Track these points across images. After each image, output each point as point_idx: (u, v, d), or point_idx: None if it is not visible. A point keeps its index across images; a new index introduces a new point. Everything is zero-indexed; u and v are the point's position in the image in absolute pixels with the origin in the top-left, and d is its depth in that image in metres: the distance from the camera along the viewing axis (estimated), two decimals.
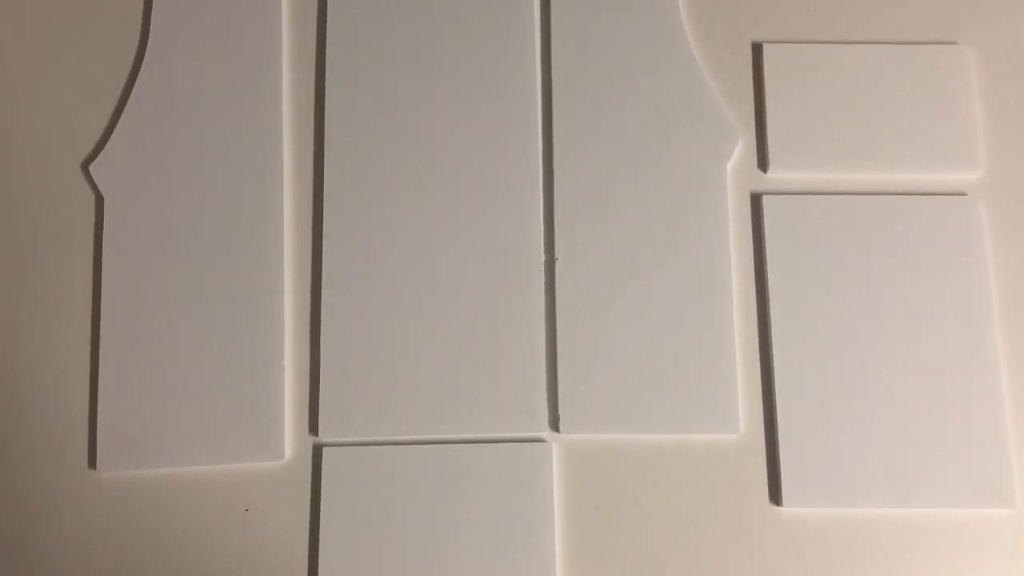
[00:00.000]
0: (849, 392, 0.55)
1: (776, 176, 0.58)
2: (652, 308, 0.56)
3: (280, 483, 0.54)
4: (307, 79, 0.60)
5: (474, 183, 0.57)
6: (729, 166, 0.58)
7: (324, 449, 0.54)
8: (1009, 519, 0.54)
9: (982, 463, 0.53)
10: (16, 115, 0.59)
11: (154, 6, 0.60)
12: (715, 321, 0.56)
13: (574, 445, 0.55)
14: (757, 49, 0.60)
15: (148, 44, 0.60)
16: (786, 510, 0.54)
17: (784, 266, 0.57)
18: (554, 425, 0.55)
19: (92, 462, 0.55)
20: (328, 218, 0.57)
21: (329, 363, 0.55)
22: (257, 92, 0.59)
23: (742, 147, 0.59)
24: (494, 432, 0.54)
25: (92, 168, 0.58)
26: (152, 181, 0.57)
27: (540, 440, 0.55)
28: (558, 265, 0.56)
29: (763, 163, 0.59)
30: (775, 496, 0.54)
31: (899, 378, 0.55)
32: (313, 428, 0.55)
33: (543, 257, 0.57)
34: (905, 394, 0.55)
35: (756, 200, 0.58)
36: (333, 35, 0.60)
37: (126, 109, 0.59)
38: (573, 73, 0.59)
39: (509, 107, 0.58)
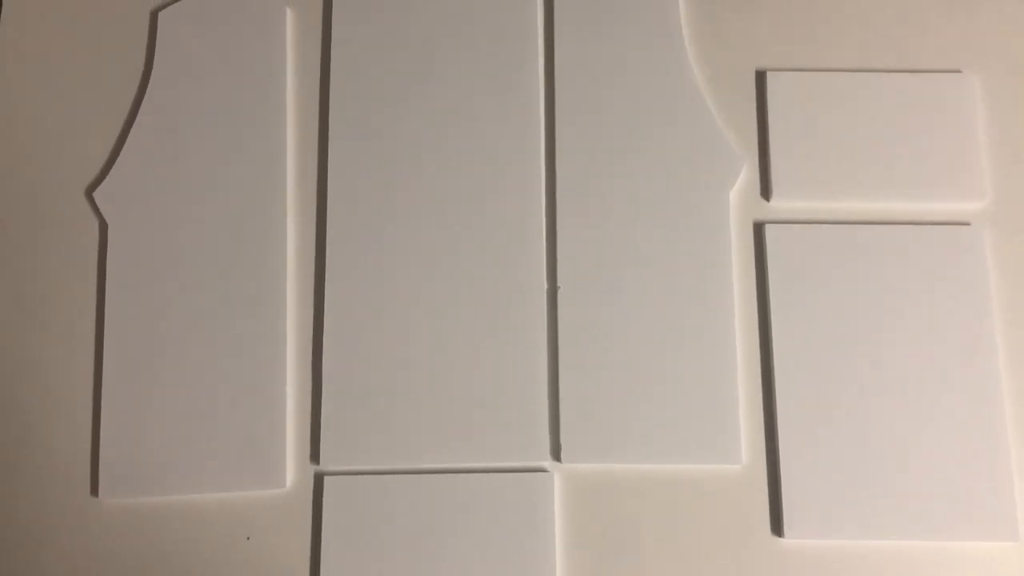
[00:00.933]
0: (851, 423, 0.54)
1: (779, 205, 0.58)
2: (654, 337, 0.56)
3: (281, 511, 0.54)
4: (311, 108, 0.60)
5: (477, 211, 0.57)
6: (732, 194, 0.58)
7: (325, 478, 0.54)
8: (1011, 552, 0.53)
9: (984, 495, 0.53)
10: (21, 142, 0.60)
11: (158, 35, 0.60)
12: (717, 351, 0.56)
13: (576, 475, 0.55)
14: (761, 76, 0.60)
15: (152, 72, 0.60)
16: (787, 541, 0.54)
17: (787, 295, 0.56)
18: (556, 455, 0.55)
19: (94, 489, 0.55)
20: (331, 247, 0.57)
21: (331, 392, 0.55)
22: (260, 120, 0.59)
23: (745, 175, 0.59)
24: (496, 461, 0.54)
25: (96, 194, 0.58)
26: (155, 208, 0.58)
27: (542, 470, 0.54)
28: (560, 294, 0.56)
29: (766, 191, 0.59)
30: (776, 527, 0.54)
31: (902, 409, 0.55)
32: (314, 457, 0.55)
33: (545, 285, 0.57)
34: (908, 425, 0.55)
35: (759, 229, 0.58)
36: (336, 63, 0.60)
37: (130, 136, 0.59)
38: (577, 101, 0.59)
39: (512, 134, 0.59)
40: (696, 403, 0.55)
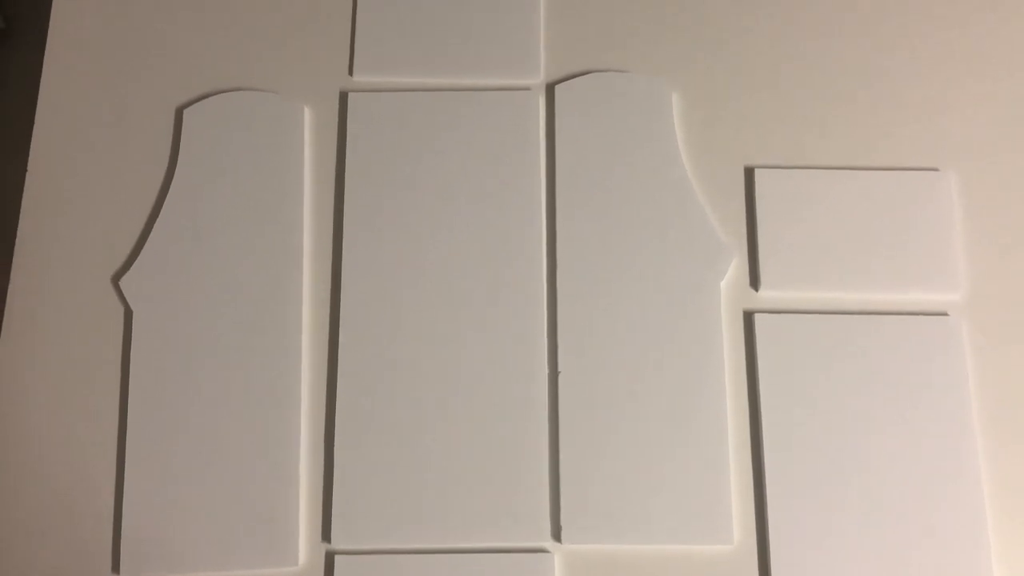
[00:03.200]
0: (838, 505, 0.57)
1: (767, 295, 0.62)
2: (650, 422, 0.59)
3: None
4: (327, 201, 0.63)
5: (483, 300, 0.61)
6: (723, 285, 0.61)
7: (336, 556, 0.57)
8: None
9: None
10: (51, 230, 0.63)
11: (183, 130, 0.64)
12: (710, 435, 0.58)
13: (575, 555, 0.57)
14: (749, 173, 0.64)
15: (176, 166, 0.63)
16: None
17: (775, 382, 0.59)
18: (556, 536, 0.57)
19: (116, 566, 0.57)
20: (343, 334, 0.60)
21: (342, 474, 0.58)
22: (279, 213, 0.63)
23: (735, 266, 0.62)
24: (499, 542, 0.57)
25: (122, 282, 0.61)
26: (178, 296, 0.61)
27: (543, 550, 0.57)
28: (561, 379, 0.59)
29: (755, 282, 0.62)
30: None
31: (886, 492, 0.57)
32: (326, 536, 0.57)
33: (547, 371, 0.60)
34: (891, 507, 0.57)
35: (748, 317, 0.61)
36: (351, 158, 0.64)
37: (155, 227, 0.62)
38: (576, 198, 0.63)
39: (515, 230, 0.62)
40: (690, 486, 0.57)
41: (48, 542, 0.58)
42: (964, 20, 0.67)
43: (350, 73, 0.66)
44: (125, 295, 0.61)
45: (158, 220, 0.62)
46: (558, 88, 0.65)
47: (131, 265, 0.62)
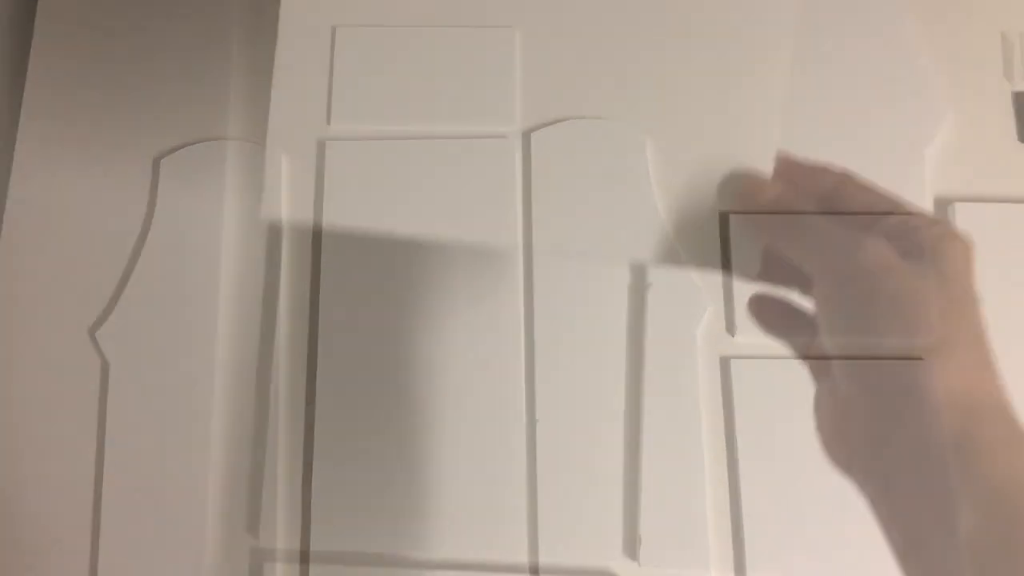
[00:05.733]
0: (817, 548, 0.58)
1: (744, 340, 0.62)
2: (628, 467, 0.59)
3: None
4: (304, 246, 0.64)
5: (458, 349, 0.61)
6: (698, 331, 0.62)
7: None
8: None
9: None
10: (26, 282, 0.63)
11: (160, 181, 0.64)
12: (688, 481, 0.59)
13: None
14: (724, 218, 0.64)
15: (154, 217, 0.64)
16: None
17: (752, 427, 0.60)
18: None
19: None
20: (320, 385, 0.60)
21: (319, 534, 0.58)
22: (256, 264, 0.63)
23: (711, 312, 0.62)
24: None
25: (98, 334, 0.61)
26: (155, 347, 0.61)
27: None
28: (539, 427, 0.60)
29: (731, 327, 0.62)
30: None
31: (864, 533, 0.57)
32: None
33: (525, 419, 0.60)
34: (870, 548, 0.57)
35: (725, 363, 0.61)
36: (329, 210, 0.63)
37: (132, 278, 0.62)
38: (553, 244, 0.63)
39: (493, 278, 0.63)
40: (667, 527, 0.58)
41: None
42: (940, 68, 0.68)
43: (327, 122, 0.67)
44: (101, 347, 0.61)
45: (135, 271, 0.62)
46: (534, 135, 0.66)
47: (108, 316, 0.62)
